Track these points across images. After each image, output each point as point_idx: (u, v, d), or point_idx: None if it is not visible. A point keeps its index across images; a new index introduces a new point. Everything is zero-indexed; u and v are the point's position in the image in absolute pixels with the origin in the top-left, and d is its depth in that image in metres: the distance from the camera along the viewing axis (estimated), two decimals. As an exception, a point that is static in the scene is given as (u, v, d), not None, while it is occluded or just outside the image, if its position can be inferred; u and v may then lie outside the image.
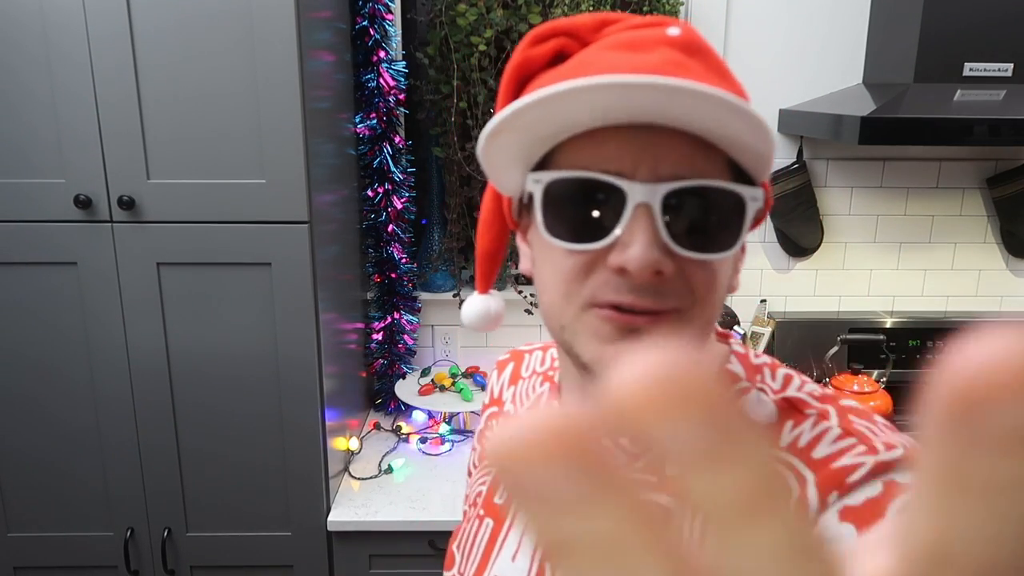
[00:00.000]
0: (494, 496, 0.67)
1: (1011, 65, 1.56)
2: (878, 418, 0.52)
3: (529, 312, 1.97)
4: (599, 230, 0.46)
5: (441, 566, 1.52)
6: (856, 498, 0.46)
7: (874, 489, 0.46)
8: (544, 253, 0.51)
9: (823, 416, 0.51)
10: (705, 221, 0.46)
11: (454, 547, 0.72)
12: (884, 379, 1.79)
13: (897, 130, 1.50)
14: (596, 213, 0.46)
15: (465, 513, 0.74)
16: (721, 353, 0.58)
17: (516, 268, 1.97)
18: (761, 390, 0.55)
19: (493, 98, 1.79)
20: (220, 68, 1.30)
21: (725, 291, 0.51)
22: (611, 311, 0.48)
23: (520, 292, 1.92)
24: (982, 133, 1.48)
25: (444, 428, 1.82)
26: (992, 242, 1.99)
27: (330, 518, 1.50)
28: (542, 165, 0.50)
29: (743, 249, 0.54)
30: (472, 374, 1.95)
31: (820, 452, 0.49)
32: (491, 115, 1.78)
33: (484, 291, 0.65)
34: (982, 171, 1.94)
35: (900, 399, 1.73)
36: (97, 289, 1.39)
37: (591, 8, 1.73)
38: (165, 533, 1.51)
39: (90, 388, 1.45)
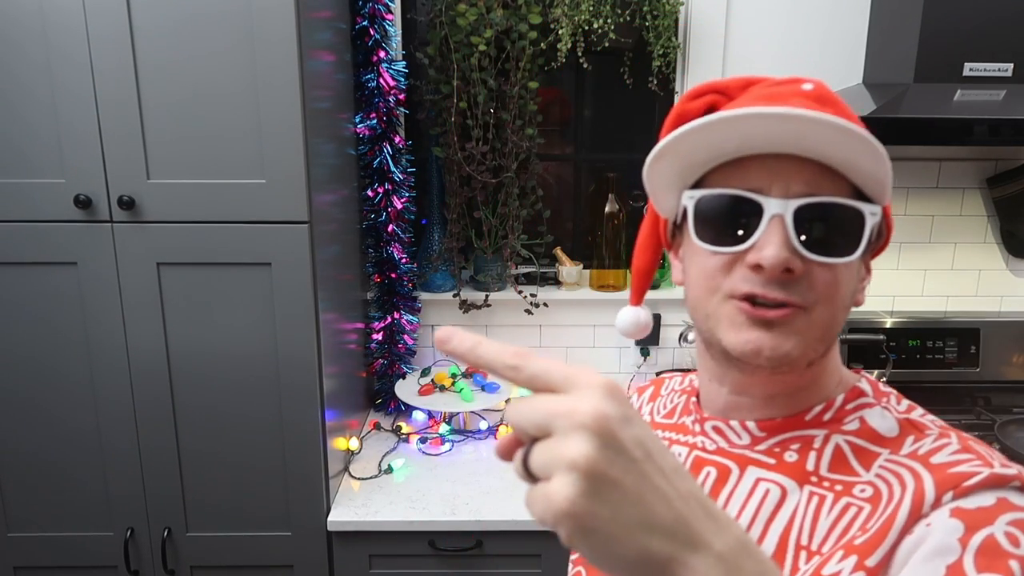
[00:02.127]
0: None
1: (1011, 65, 1.56)
2: (996, 450, 0.59)
3: (529, 312, 1.97)
4: (740, 236, 0.58)
5: (441, 566, 1.53)
6: (970, 502, 0.52)
7: (987, 499, 0.52)
8: (693, 259, 0.62)
9: (944, 435, 0.59)
10: (828, 230, 0.56)
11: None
12: (884, 379, 1.78)
13: (897, 130, 1.50)
14: (738, 222, 0.58)
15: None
16: (851, 376, 0.67)
17: (516, 268, 1.97)
18: (886, 408, 0.63)
19: (493, 98, 1.79)
20: (220, 68, 1.30)
21: (849, 300, 0.60)
22: (746, 303, 0.58)
23: (520, 292, 1.92)
24: (982, 133, 1.48)
25: (444, 428, 1.82)
26: (992, 242, 1.99)
27: (330, 518, 1.50)
28: (695, 188, 0.62)
29: (868, 269, 0.64)
30: (472, 374, 1.95)
31: (939, 459, 0.56)
32: (491, 115, 1.78)
33: (637, 303, 0.77)
34: (982, 171, 1.94)
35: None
36: (97, 289, 1.39)
37: (591, 8, 1.73)
38: (165, 533, 1.51)
39: (90, 388, 1.45)
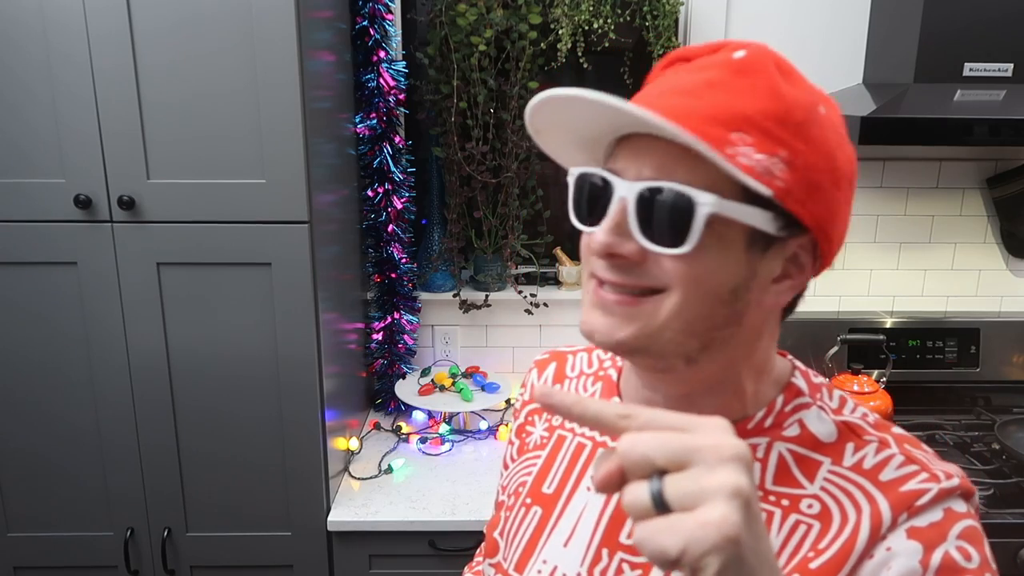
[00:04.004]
0: (542, 485, 0.69)
1: (1011, 65, 1.55)
2: (925, 445, 0.60)
3: (529, 312, 1.97)
4: (598, 217, 0.55)
5: (441, 566, 1.53)
6: (922, 520, 0.53)
7: (936, 514, 0.54)
8: None
9: (884, 444, 0.59)
10: (659, 217, 0.52)
11: (495, 535, 0.74)
12: (884, 379, 1.79)
13: (897, 130, 1.50)
14: (596, 203, 0.56)
15: (502, 503, 0.76)
16: (784, 366, 0.64)
17: (516, 268, 1.97)
18: (821, 408, 0.62)
19: (493, 98, 1.79)
20: (220, 68, 1.30)
21: (730, 295, 0.55)
22: (594, 283, 0.57)
23: (520, 292, 1.92)
24: (982, 133, 1.48)
25: (444, 428, 1.82)
26: (992, 242, 1.99)
27: (330, 518, 1.50)
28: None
29: (792, 274, 0.57)
30: (472, 374, 1.95)
31: (887, 475, 0.56)
32: (491, 115, 1.78)
33: None
34: (982, 171, 1.94)
35: (900, 399, 1.73)
36: (97, 289, 1.39)
37: (591, 8, 1.73)
38: (165, 533, 1.51)
39: (90, 388, 1.45)
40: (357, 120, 1.75)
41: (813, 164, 0.53)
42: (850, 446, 0.59)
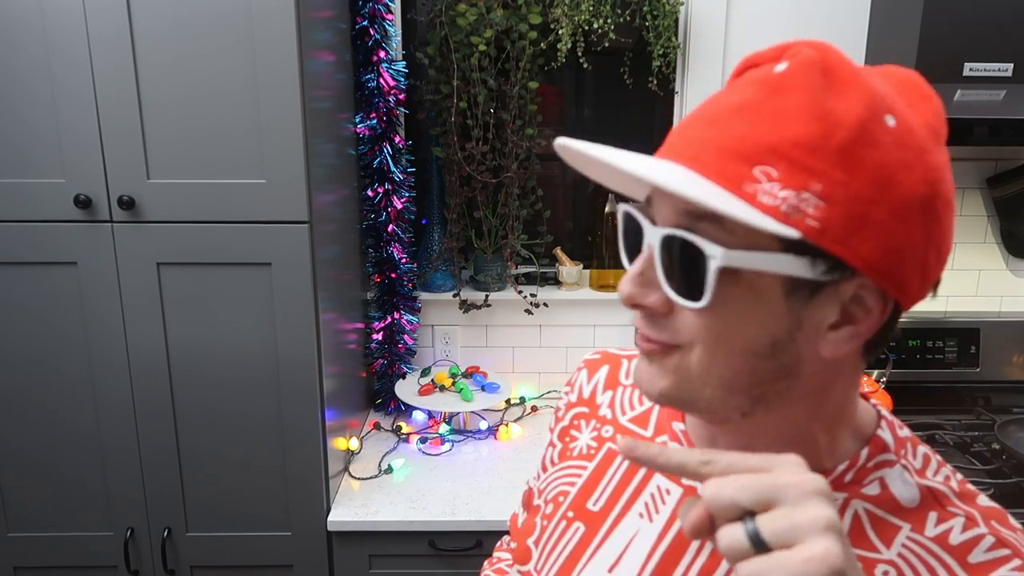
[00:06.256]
0: (587, 500, 0.67)
1: (1011, 65, 1.55)
2: (1011, 519, 0.56)
3: (529, 312, 1.97)
4: (633, 259, 0.53)
5: (441, 566, 1.53)
6: None
7: None
8: None
9: (971, 520, 0.54)
10: (681, 268, 0.48)
11: (529, 542, 0.72)
12: (884, 379, 1.79)
13: (897, 130, 1.50)
14: (634, 243, 0.52)
15: (537, 508, 0.73)
16: (868, 416, 0.58)
17: (516, 268, 1.97)
18: (905, 468, 0.57)
19: (493, 98, 1.79)
20: (220, 68, 1.30)
21: (766, 348, 0.49)
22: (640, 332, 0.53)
23: (520, 292, 1.92)
24: (982, 133, 1.48)
25: (444, 428, 1.82)
26: (992, 242, 1.99)
27: (330, 518, 1.50)
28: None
29: (849, 319, 0.49)
30: (472, 374, 1.95)
31: (976, 558, 0.52)
32: (491, 115, 1.78)
33: None
34: (982, 171, 1.94)
35: (900, 399, 1.73)
36: (97, 289, 1.39)
37: (591, 8, 1.73)
38: (165, 533, 1.51)
39: (90, 388, 1.45)
40: (357, 120, 1.75)
41: (859, 194, 0.45)
42: (933, 515, 0.54)
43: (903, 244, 0.47)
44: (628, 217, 0.53)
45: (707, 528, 0.41)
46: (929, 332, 1.94)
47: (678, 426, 0.64)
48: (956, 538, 0.53)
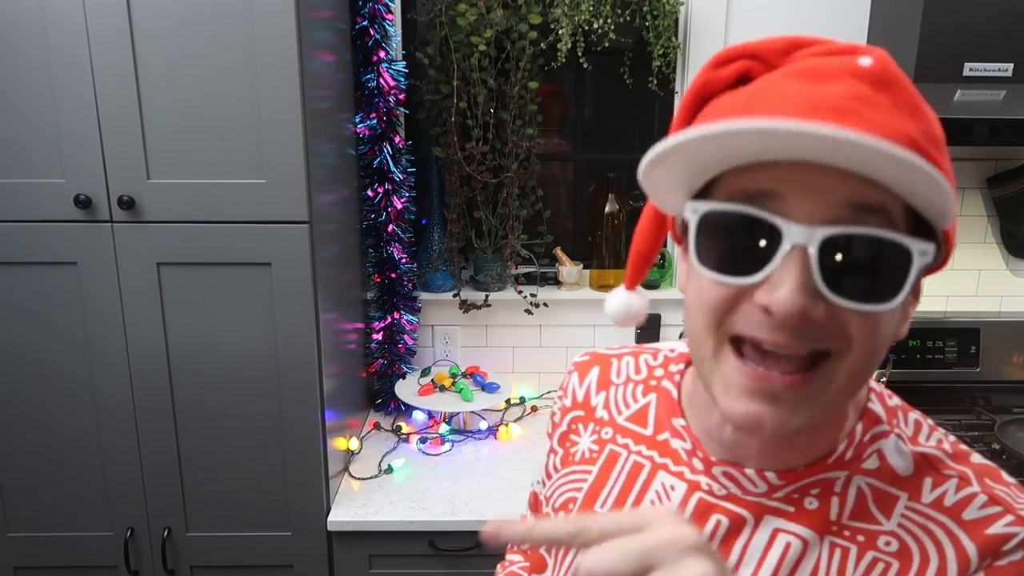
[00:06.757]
0: (594, 504, 0.67)
1: (1011, 65, 1.55)
2: (1005, 475, 0.57)
3: (529, 312, 1.97)
4: (751, 265, 0.46)
5: (441, 566, 1.53)
6: (1003, 560, 0.52)
7: (1016, 555, 0.52)
8: (694, 280, 0.51)
9: (964, 479, 0.56)
10: (864, 270, 0.45)
11: (542, 551, 0.72)
12: (884, 379, 1.79)
13: (897, 130, 1.50)
14: (750, 248, 0.46)
15: (546, 516, 0.74)
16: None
17: (516, 268, 1.97)
18: (899, 437, 0.58)
19: (493, 98, 1.79)
20: (220, 68, 1.30)
21: (890, 339, 0.49)
22: (748, 364, 0.48)
23: (520, 292, 1.92)
24: (982, 133, 1.48)
25: (444, 428, 1.82)
26: (992, 242, 1.99)
27: (330, 518, 1.50)
28: (705, 191, 0.50)
29: (916, 294, 0.52)
30: (472, 374, 1.95)
31: (970, 515, 0.54)
32: (491, 115, 1.78)
33: (631, 288, 0.66)
34: (982, 171, 1.94)
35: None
36: (97, 289, 1.39)
37: (591, 8, 1.73)
38: (165, 533, 1.51)
39: (90, 388, 1.45)
40: (357, 120, 1.75)
41: (951, 184, 0.45)
42: (928, 481, 0.56)
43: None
44: (729, 217, 0.46)
45: None
46: (929, 332, 1.94)
47: (678, 422, 0.64)
48: (950, 499, 0.55)
